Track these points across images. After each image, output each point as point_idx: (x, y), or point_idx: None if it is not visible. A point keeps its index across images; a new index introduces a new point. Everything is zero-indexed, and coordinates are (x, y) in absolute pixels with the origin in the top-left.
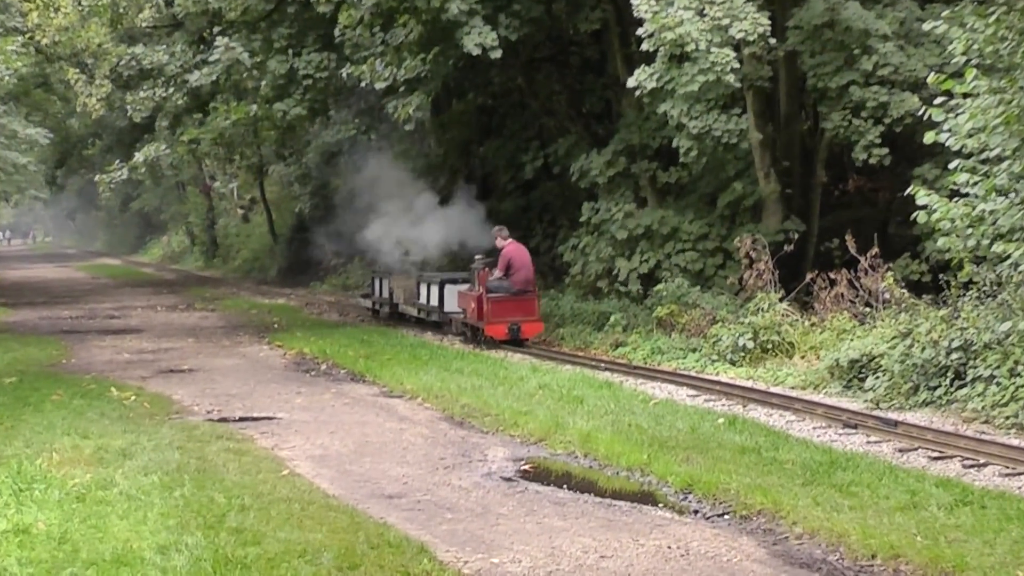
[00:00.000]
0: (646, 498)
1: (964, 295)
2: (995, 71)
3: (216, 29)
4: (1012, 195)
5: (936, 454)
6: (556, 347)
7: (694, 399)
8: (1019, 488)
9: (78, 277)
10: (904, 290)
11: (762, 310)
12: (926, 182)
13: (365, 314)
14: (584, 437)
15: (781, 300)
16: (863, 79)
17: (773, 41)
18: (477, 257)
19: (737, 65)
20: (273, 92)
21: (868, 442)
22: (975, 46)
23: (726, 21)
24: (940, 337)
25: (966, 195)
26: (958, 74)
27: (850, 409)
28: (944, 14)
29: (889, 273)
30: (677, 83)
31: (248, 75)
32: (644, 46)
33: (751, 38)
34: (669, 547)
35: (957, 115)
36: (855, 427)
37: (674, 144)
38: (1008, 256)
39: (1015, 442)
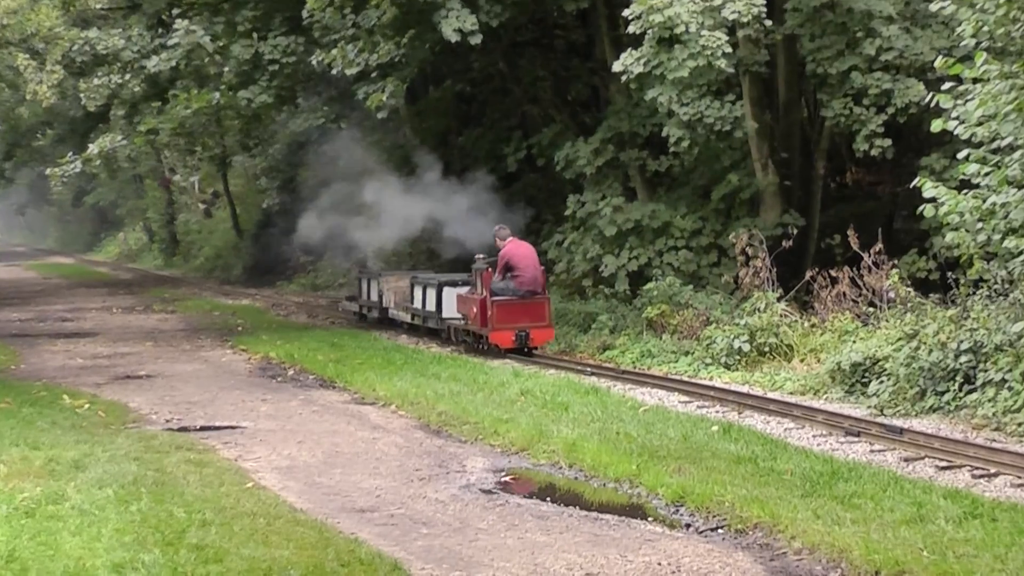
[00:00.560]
0: (635, 511)
1: (974, 294)
2: (1007, 54)
3: (175, 11)
4: None
5: (944, 463)
6: (539, 351)
7: (686, 405)
8: None
9: (28, 277)
10: (910, 289)
11: (759, 310)
12: (933, 173)
13: (336, 316)
14: (569, 446)
15: (779, 300)
16: (866, 64)
17: (769, 23)
18: (479, 256)
19: (729, 49)
20: (237, 78)
21: (872, 451)
22: (985, 28)
23: (718, 2)
24: (948, 339)
25: (976, 187)
26: (967, 58)
27: (852, 416)
28: None
29: (894, 271)
30: (666, 68)
31: (210, 60)
32: (631, 28)
33: (745, 20)
34: (659, 564)
35: (966, 102)
36: (858, 435)
37: (663, 132)
38: (1021, 252)
39: None
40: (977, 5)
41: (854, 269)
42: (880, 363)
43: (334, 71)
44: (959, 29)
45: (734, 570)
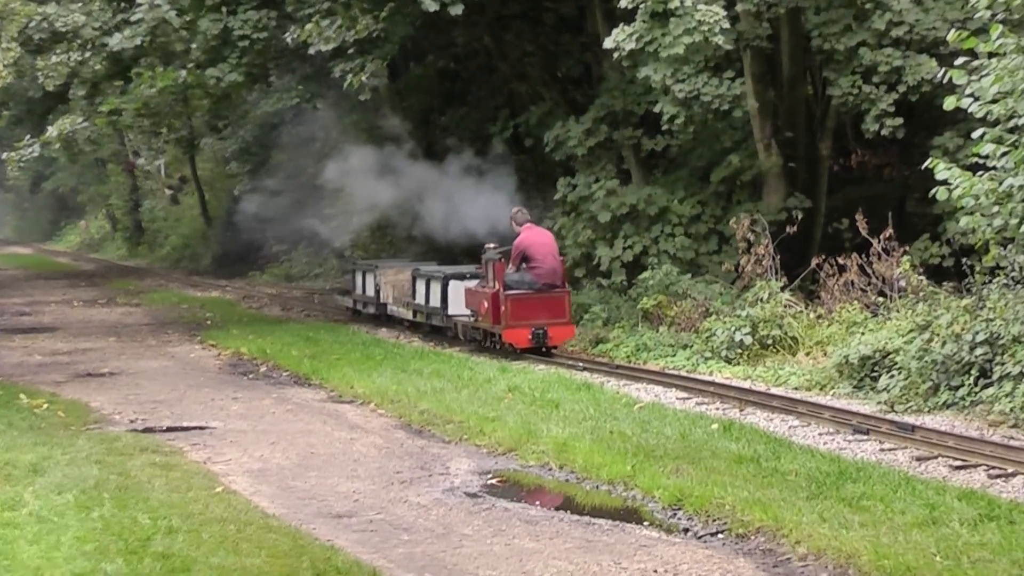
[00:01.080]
0: (630, 515)
1: (990, 282)
2: None
3: None
4: None
5: (958, 463)
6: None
7: (684, 402)
8: None
9: None
10: (922, 277)
11: (761, 300)
12: (947, 154)
13: (312, 308)
14: (560, 447)
15: (783, 289)
16: (875, 40)
17: None
18: (489, 246)
19: (728, 24)
20: (205, 56)
21: (881, 450)
22: None
23: None
24: (963, 330)
25: (992, 168)
26: (982, 31)
27: (861, 412)
28: None
29: (905, 258)
30: (660, 44)
31: (176, 36)
32: (623, 2)
33: None
34: (656, 571)
35: (981, 77)
36: (867, 433)
37: (656, 109)
38: None
39: None
40: None
41: (863, 256)
42: (890, 356)
43: (309, 48)
44: (973, 0)
45: None
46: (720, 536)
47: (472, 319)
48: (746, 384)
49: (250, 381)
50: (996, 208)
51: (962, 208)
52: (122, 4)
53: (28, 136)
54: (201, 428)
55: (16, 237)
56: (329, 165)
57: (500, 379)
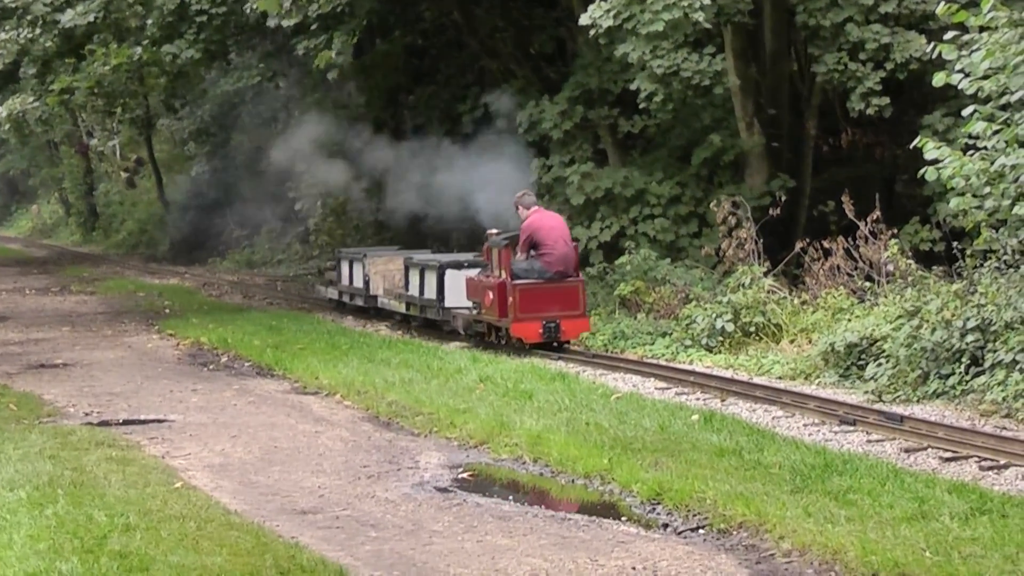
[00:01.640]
0: (607, 510)
1: (981, 266)
2: (1016, 0)
3: None
4: None
5: (949, 454)
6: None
7: (664, 392)
8: None
9: None
10: (911, 261)
11: (744, 286)
12: (936, 133)
13: (274, 296)
14: (533, 439)
15: (766, 274)
16: (862, 16)
17: None
18: (491, 232)
19: (708, 1)
20: (161, 32)
21: (869, 441)
22: None
23: None
24: (953, 316)
25: (983, 148)
26: (973, 4)
27: (848, 402)
28: None
29: (893, 241)
30: (639, 21)
31: (131, 12)
32: None
33: None
34: (634, 568)
35: (972, 52)
36: (853, 423)
37: (633, 86)
38: None
39: None
40: None
41: (849, 239)
42: (878, 344)
43: (269, 22)
44: None
45: (716, 574)
46: (701, 531)
47: (474, 312)
48: (728, 373)
49: (210, 372)
50: (987, 189)
51: (952, 189)
52: None
53: None
54: (159, 421)
55: None
56: (283, 144)
57: (471, 369)
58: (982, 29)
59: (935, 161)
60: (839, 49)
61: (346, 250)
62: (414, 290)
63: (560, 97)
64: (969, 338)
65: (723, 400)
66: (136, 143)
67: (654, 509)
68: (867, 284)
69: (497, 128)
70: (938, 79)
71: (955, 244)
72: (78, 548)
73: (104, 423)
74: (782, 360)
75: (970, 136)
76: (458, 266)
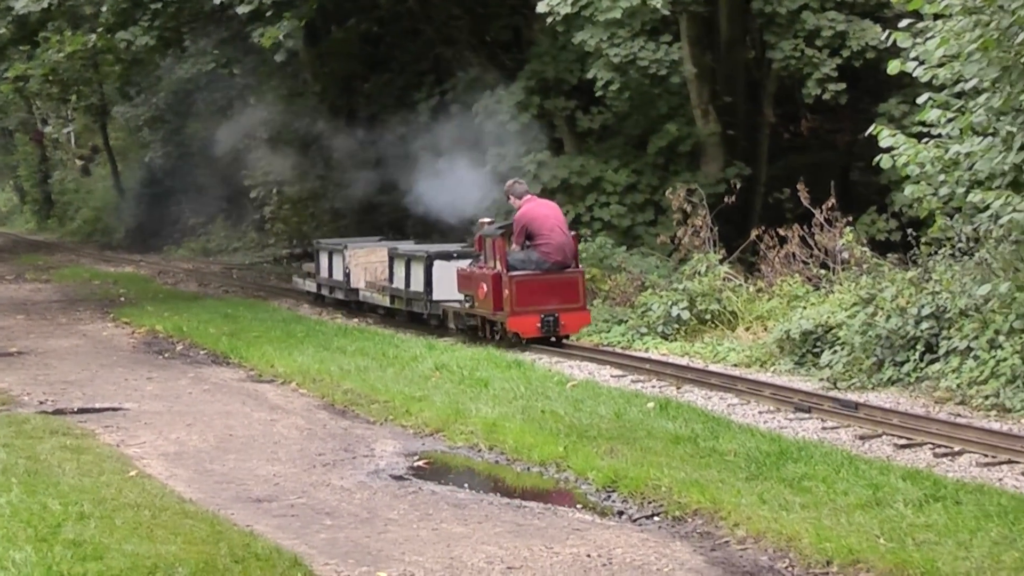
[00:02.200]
0: (562, 498)
1: (936, 253)
2: None
3: None
4: (991, 135)
5: (903, 441)
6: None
7: (619, 380)
8: (999, 480)
9: None
10: (866, 248)
11: (699, 274)
12: (892, 121)
13: (230, 284)
14: (489, 427)
15: (722, 262)
16: (818, 3)
17: None
18: (484, 221)
19: None
20: (115, 18)
21: (824, 428)
22: None
23: None
24: (908, 303)
25: (938, 136)
26: None
27: (803, 390)
28: None
29: (848, 229)
30: (596, 8)
31: None
32: None
33: None
34: (589, 555)
35: (926, 40)
36: (808, 411)
37: (590, 75)
38: (987, 206)
39: (995, 426)
40: None
41: (805, 227)
42: (833, 331)
43: (224, 8)
44: None
45: (671, 561)
46: (656, 519)
47: (467, 305)
48: (683, 361)
49: (165, 360)
50: (942, 177)
51: (907, 177)
52: None
53: None
54: (114, 410)
55: None
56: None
57: (427, 357)
58: (936, 17)
59: (890, 149)
60: (795, 36)
61: (325, 241)
62: (399, 283)
63: (516, 87)
64: (924, 325)
65: (679, 388)
66: (91, 131)
67: (609, 497)
68: (822, 272)
69: (453, 115)
70: (893, 67)
71: (910, 232)
72: (32, 537)
73: (59, 411)
74: (737, 348)
75: (925, 124)
76: (447, 257)
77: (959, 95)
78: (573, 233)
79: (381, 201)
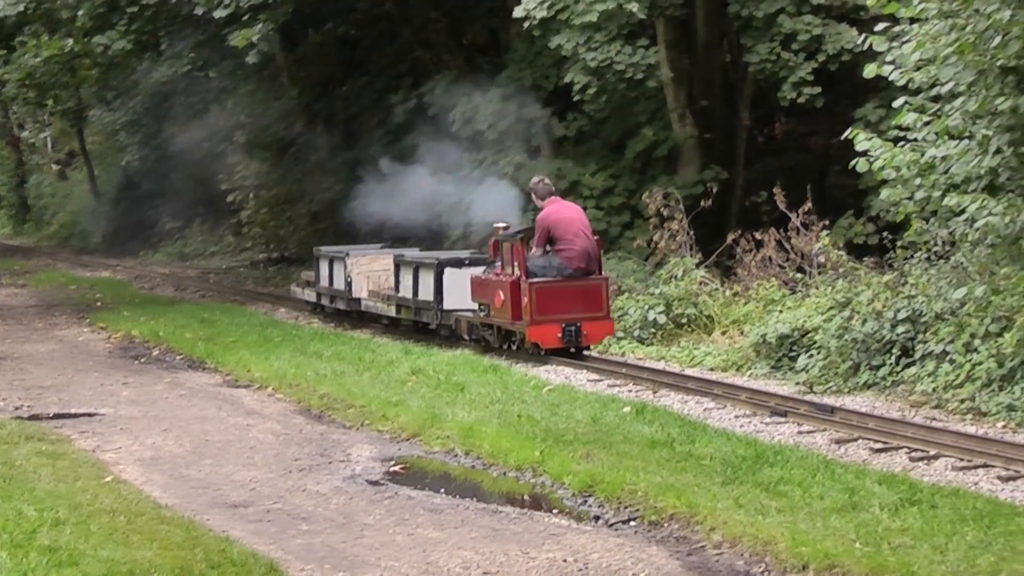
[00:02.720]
0: (538, 503)
1: (912, 257)
2: None
3: None
4: (967, 138)
5: (879, 445)
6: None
7: (595, 384)
8: (975, 484)
9: None
10: (842, 252)
11: (676, 278)
12: (868, 124)
13: (207, 288)
14: (465, 432)
15: (698, 266)
16: (794, 7)
17: None
18: (499, 225)
19: None
20: (92, 22)
21: (800, 432)
22: None
23: None
24: (884, 307)
25: (914, 139)
26: None
27: (779, 394)
28: None
29: (825, 233)
30: (572, 12)
31: (62, 3)
32: None
33: None
34: (565, 560)
35: (902, 44)
36: (785, 415)
37: (567, 79)
38: (963, 210)
39: (971, 430)
40: None
41: (781, 231)
42: (809, 335)
43: (200, 12)
44: None
45: (647, 566)
46: (632, 523)
47: (482, 314)
48: (660, 365)
49: (142, 365)
50: (918, 180)
51: (883, 181)
52: None
53: None
54: (90, 415)
55: None
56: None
57: (403, 361)
58: (912, 21)
59: (866, 153)
60: (771, 40)
61: (325, 248)
62: (406, 291)
63: (494, 94)
64: (900, 329)
65: (655, 392)
66: (68, 135)
67: (585, 501)
68: (799, 275)
69: (430, 118)
70: (869, 71)
71: (886, 235)
72: (7, 543)
73: (34, 417)
74: (714, 352)
75: (901, 127)
76: (458, 264)
77: (935, 99)
78: (596, 237)
79: (357, 205)
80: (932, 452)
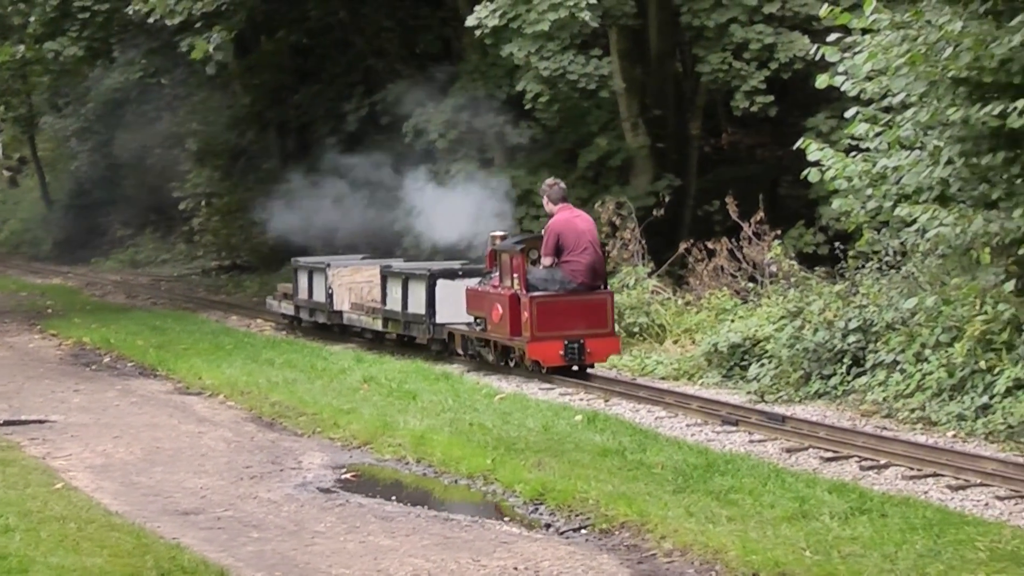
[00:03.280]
0: (489, 511)
1: (863, 267)
2: (898, 2)
3: None
4: (919, 149)
5: (830, 454)
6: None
7: (547, 393)
8: (925, 493)
9: None
10: (794, 262)
11: (628, 287)
12: (820, 134)
13: (158, 296)
14: (417, 439)
15: (650, 275)
16: (746, 16)
17: None
18: (496, 234)
19: (595, 0)
20: (44, 28)
21: (751, 441)
22: None
23: None
24: (835, 317)
25: (866, 149)
26: (856, 6)
27: (730, 403)
28: None
29: (776, 242)
30: (524, 21)
31: (13, 9)
32: None
33: None
34: (516, 568)
35: (854, 55)
36: (736, 423)
37: (519, 87)
38: (914, 220)
39: (921, 439)
40: None
41: (733, 240)
42: (761, 344)
43: (152, 18)
44: None
45: (598, 574)
46: (583, 532)
47: (477, 328)
48: (611, 374)
49: (93, 372)
50: (869, 191)
51: (835, 191)
52: None
53: None
54: (40, 422)
55: None
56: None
57: (356, 369)
58: (865, 31)
59: (818, 163)
60: (723, 49)
61: (304, 259)
62: (394, 304)
63: (446, 104)
64: (851, 339)
65: (606, 400)
66: (19, 141)
67: (537, 509)
68: (750, 285)
69: (382, 127)
70: (821, 81)
71: (838, 245)
72: None
73: None
74: (666, 360)
75: (853, 138)
76: (451, 275)
77: (887, 109)
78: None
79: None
80: (882, 461)
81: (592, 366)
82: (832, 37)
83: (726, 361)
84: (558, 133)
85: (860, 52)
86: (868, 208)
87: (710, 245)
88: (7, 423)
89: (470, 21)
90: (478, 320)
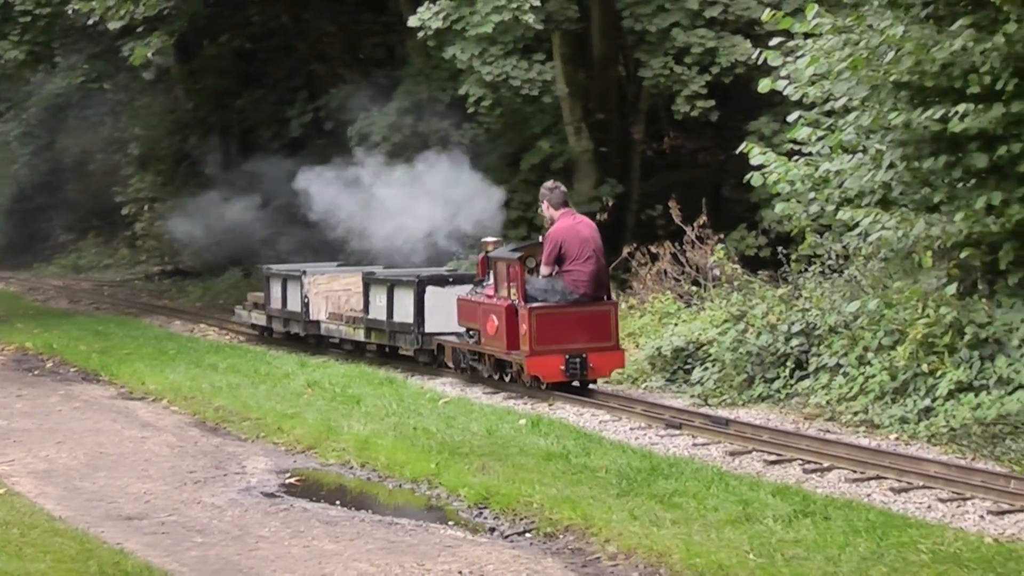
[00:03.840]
0: (434, 514)
1: (806, 270)
2: (840, 7)
3: None
4: (861, 153)
5: (773, 457)
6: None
7: (491, 397)
8: (868, 496)
9: None
10: (737, 266)
11: None
12: (763, 138)
13: (101, 301)
14: (361, 444)
15: None
16: (688, 20)
17: None
18: (488, 240)
19: (538, 3)
20: None
21: (695, 444)
22: None
23: None
24: (778, 320)
25: (808, 154)
26: (799, 11)
27: (674, 406)
28: None
29: (719, 246)
30: (468, 23)
31: None
32: None
33: None
34: (460, 572)
35: (796, 59)
36: (679, 427)
37: (462, 91)
38: (856, 224)
39: (864, 442)
40: None
41: (677, 244)
42: (704, 348)
43: (92, 22)
44: None
45: None
46: (527, 535)
47: (470, 340)
48: None
49: (35, 377)
50: (812, 194)
51: (777, 195)
52: None
53: None
54: None
55: None
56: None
57: (299, 374)
58: (807, 36)
59: (761, 167)
60: (665, 54)
61: (277, 267)
62: (378, 312)
63: (390, 107)
64: (794, 342)
65: (550, 404)
66: None
67: (481, 513)
68: (694, 289)
69: (326, 131)
70: (763, 85)
71: (780, 249)
72: None
73: None
74: None
75: (795, 142)
76: (441, 282)
77: (829, 113)
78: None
79: (254, 219)
80: (825, 464)
81: (595, 382)
82: (774, 41)
83: (670, 365)
84: (501, 136)
85: (802, 56)
86: (811, 212)
87: (653, 249)
88: None
89: (412, 22)
90: (470, 332)
